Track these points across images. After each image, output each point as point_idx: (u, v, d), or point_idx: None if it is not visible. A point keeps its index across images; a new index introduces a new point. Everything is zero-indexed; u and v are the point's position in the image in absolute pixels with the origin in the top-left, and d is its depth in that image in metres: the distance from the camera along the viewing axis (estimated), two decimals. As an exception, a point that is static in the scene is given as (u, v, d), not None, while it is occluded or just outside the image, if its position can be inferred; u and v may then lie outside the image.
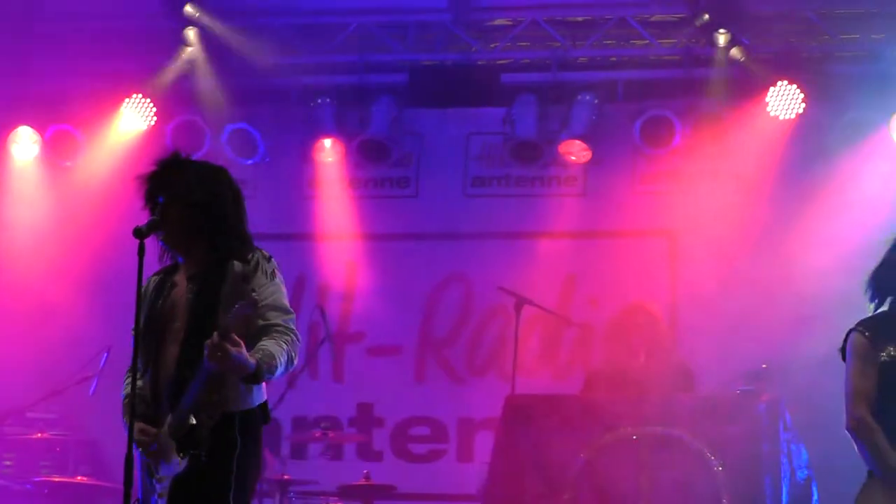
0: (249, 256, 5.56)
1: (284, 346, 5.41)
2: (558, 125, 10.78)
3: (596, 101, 10.70)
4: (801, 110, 10.28)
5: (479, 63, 11.04)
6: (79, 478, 9.49)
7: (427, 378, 10.97)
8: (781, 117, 10.33)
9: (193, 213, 5.58)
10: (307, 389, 10.47)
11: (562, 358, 10.72)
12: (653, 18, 10.67)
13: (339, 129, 10.99)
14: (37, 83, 11.05)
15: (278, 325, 5.48)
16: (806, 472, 7.90)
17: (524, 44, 11.00)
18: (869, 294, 6.29)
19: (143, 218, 5.54)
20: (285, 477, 9.26)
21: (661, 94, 10.68)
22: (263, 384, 5.55)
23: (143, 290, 5.59)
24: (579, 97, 10.68)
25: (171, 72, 10.92)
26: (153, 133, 10.95)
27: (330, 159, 11.12)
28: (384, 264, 11.10)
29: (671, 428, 7.70)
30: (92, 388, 9.29)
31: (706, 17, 10.33)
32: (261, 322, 5.45)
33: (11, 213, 11.29)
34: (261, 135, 11.04)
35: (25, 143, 11.17)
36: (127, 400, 5.54)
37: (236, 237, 5.63)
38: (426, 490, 10.57)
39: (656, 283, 10.55)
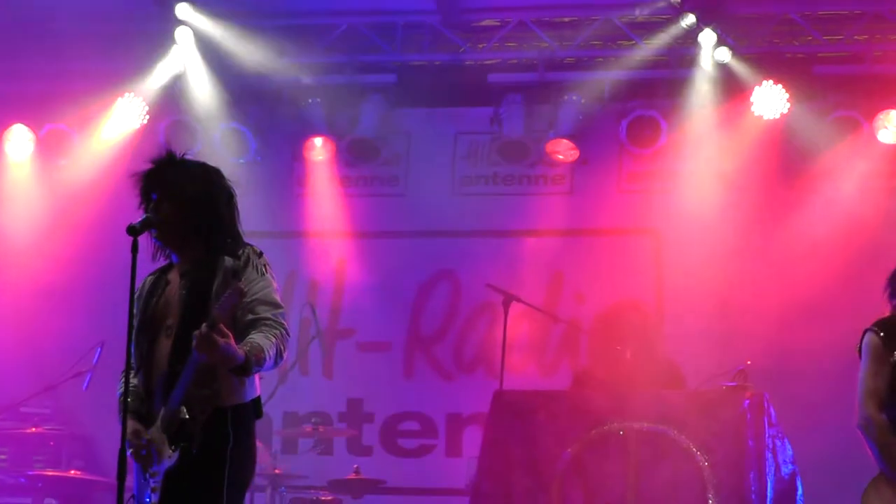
0: (240, 252, 5.57)
1: (273, 340, 5.37)
2: (545, 125, 10.83)
3: (583, 101, 10.73)
4: (785, 110, 10.30)
5: (468, 63, 11.04)
6: (72, 472, 9.51)
7: (416, 374, 11.02)
8: (766, 117, 10.33)
9: (187, 210, 5.59)
10: (297, 385, 10.55)
11: (549, 354, 10.77)
12: (639, 19, 10.67)
13: (330, 129, 11.04)
14: (31, 82, 11.01)
15: (268, 319, 5.44)
16: (791, 467, 7.88)
17: (512, 44, 10.99)
18: (889, 292, 6.39)
19: (136, 216, 5.56)
20: (276, 471, 9.32)
21: (647, 94, 10.69)
22: (257, 380, 5.56)
23: (139, 289, 5.62)
24: (566, 97, 10.71)
25: (164, 72, 10.93)
26: (146, 132, 10.94)
27: (320, 158, 11.17)
28: (374, 261, 11.15)
29: (657, 423, 7.70)
30: (85, 384, 9.30)
31: (692, 18, 10.35)
32: (250, 316, 5.44)
33: (5, 211, 11.28)
34: (252, 134, 11.06)
35: (19, 141, 11.17)
36: (122, 399, 5.53)
37: (229, 235, 5.65)
38: (415, 484, 10.61)
39: (642, 280, 10.61)
